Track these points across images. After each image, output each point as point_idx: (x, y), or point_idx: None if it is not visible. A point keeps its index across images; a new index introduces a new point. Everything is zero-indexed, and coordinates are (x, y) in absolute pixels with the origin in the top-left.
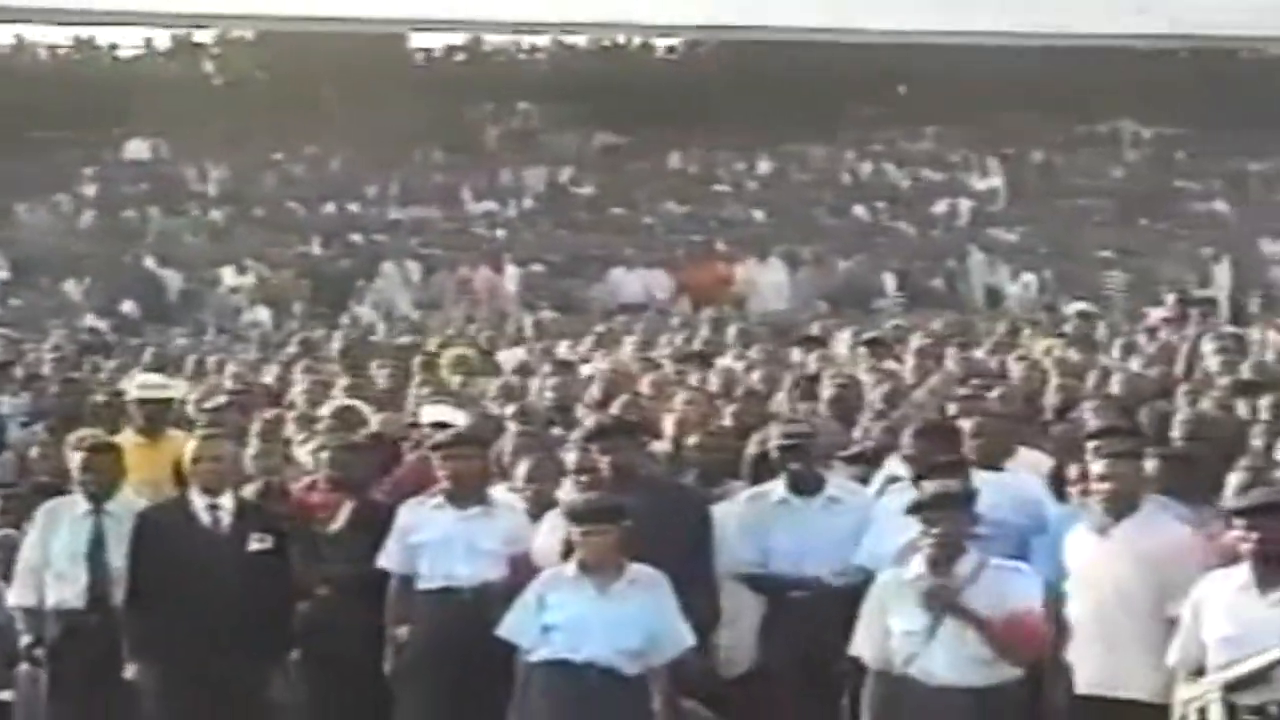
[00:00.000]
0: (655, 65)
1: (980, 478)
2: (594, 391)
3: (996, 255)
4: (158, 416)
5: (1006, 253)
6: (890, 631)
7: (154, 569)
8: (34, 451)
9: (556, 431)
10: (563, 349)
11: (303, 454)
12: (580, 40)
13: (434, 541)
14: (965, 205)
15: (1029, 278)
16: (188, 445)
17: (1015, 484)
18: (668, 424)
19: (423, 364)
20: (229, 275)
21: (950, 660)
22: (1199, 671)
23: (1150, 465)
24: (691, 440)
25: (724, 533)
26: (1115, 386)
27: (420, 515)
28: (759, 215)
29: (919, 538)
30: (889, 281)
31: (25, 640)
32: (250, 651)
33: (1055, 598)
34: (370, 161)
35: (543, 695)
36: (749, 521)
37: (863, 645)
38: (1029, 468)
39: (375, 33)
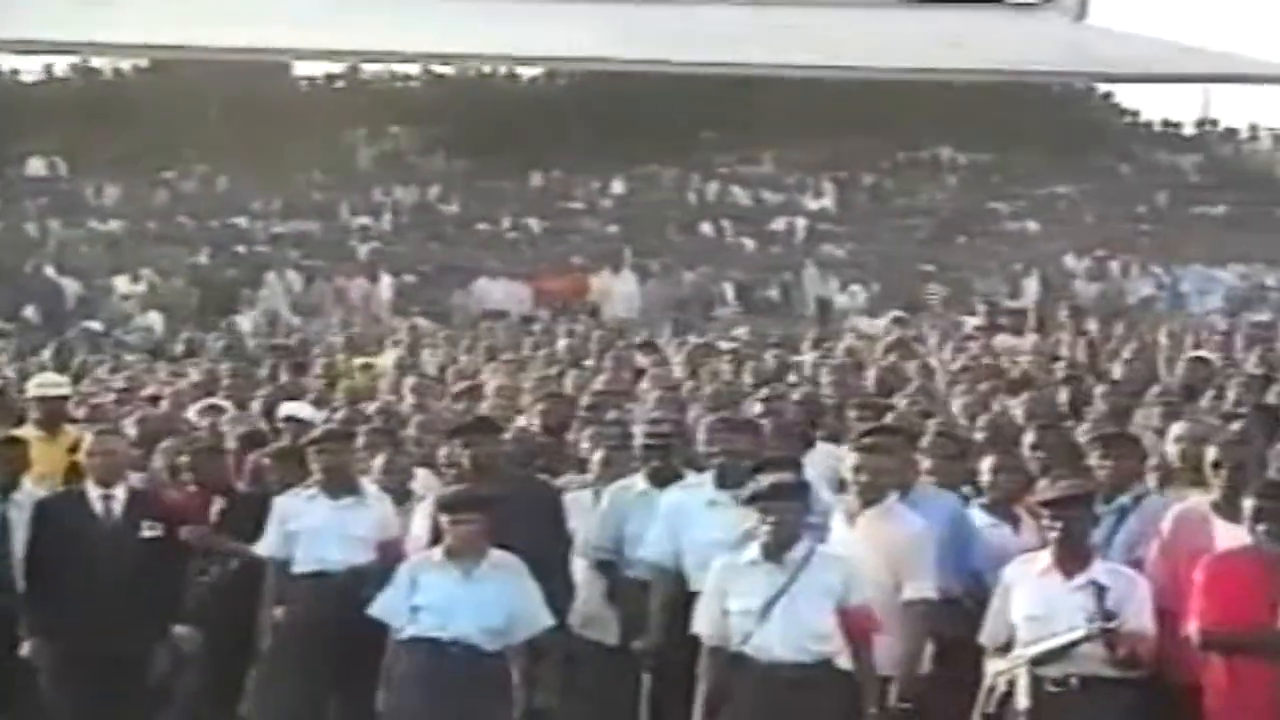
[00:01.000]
0: (518, 92)
1: None
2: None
3: (828, 269)
4: (55, 412)
5: (837, 267)
6: (728, 611)
7: (51, 554)
8: None
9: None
10: (429, 355)
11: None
12: (448, 70)
13: (309, 529)
14: (801, 223)
15: (857, 289)
16: (84, 440)
17: None
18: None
19: (292, 366)
20: (123, 283)
21: (784, 637)
22: (1006, 647)
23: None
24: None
25: (587, 520)
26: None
27: (296, 505)
28: (613, 231)
29: (755, 526)
30: (729, 291)
31: None
32: (141, 632)
33: None
34: (255, 180)
35: (410, 670)
36: (608, 511)
37: (701, 623)
38: (823, 458)
39: (260, 61)
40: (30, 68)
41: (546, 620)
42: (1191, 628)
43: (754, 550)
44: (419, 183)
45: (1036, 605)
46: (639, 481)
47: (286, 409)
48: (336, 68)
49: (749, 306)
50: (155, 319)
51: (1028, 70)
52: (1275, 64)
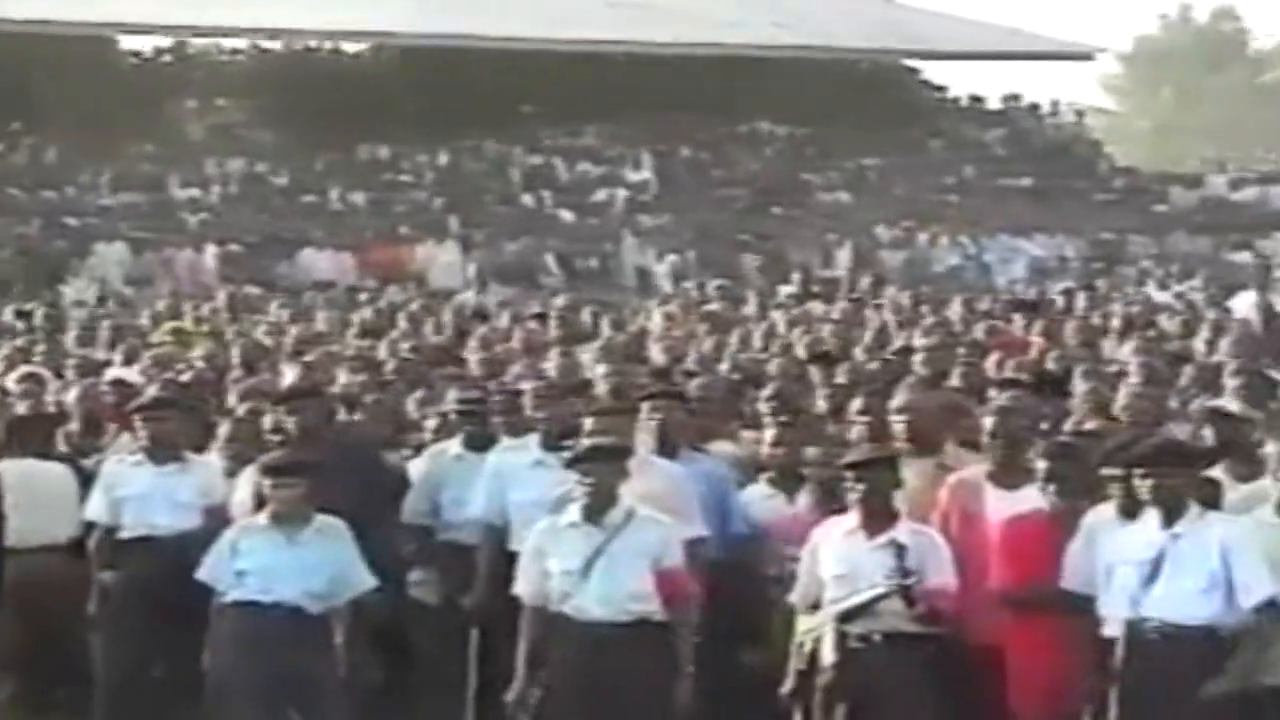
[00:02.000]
0: (344, 67)
1: None
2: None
3: (646, 240)
4: None
5: (655, 237)
6: (549, 573)
7: None
8: None
9: None
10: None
11: None
12: (275, 45)
13: (135, 495)
14: (621, 195)
15: (674, 259)
16: None
17: None
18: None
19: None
20: None
21: (602, 597)
22: (816, 606)
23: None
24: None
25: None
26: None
27: (122, 471)
28: (438, 203)
29: (574, 487)
30: (550, 262)
31: None
32: None
33: None
34: (84, 152)
35: (235, 632)
36: (425, 475)
37: (522, 585)
38: None
39: (89, 35)
40: None
41: (369, 582)
42: (991, 587)
43: (574, 512)
44: (247, 155)
45: (841, 564)
46: (454, 446)
47: (111, 373)
48: (165, 41)
49: (571, 276)
50: None
51: (841, 48)
52: (1076, 41)
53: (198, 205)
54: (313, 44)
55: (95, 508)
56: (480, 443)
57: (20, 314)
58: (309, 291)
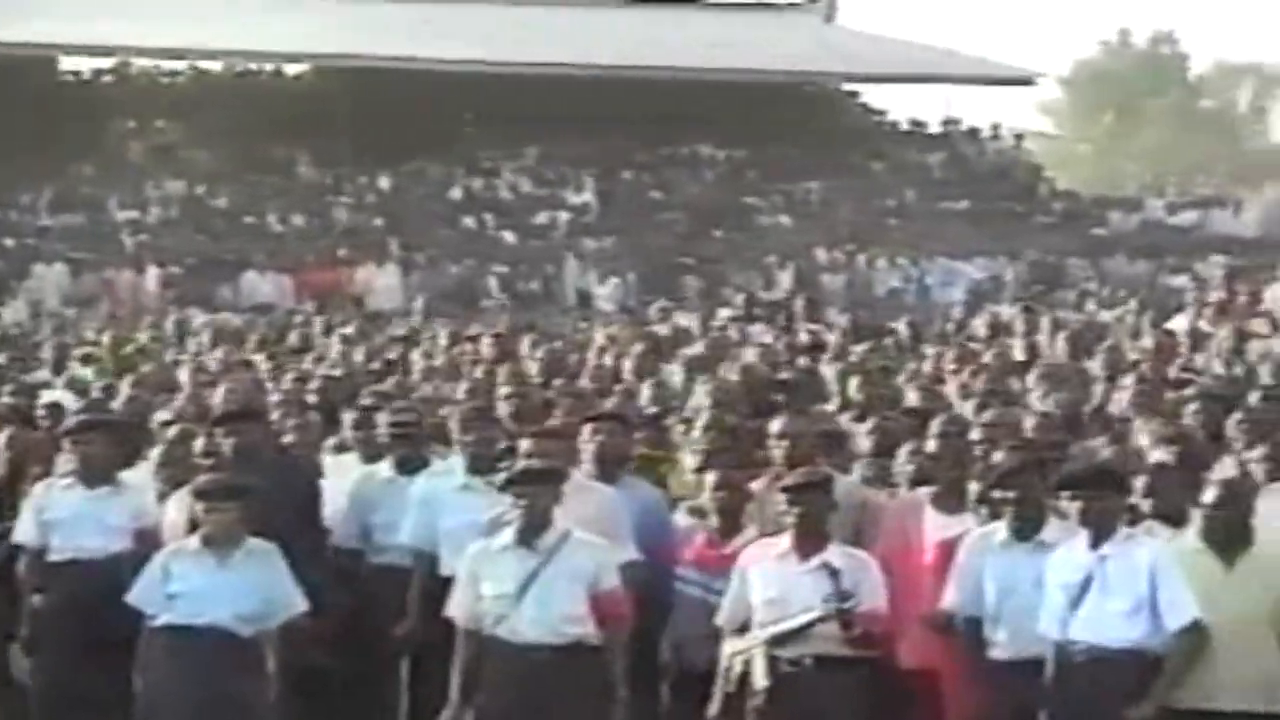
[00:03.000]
0: (285, 88)
1: None
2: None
3: (588, 262)
4: None
5: (597, 259)
6: (482, 596)
7: None
8: None
9: None
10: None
11: None
12: (215, 66)
13: (65, 518)
14: (563, 217)
15: (615, 281)
16: None
17: None
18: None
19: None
20: None
21: (536, 620)
22: (743, 629)
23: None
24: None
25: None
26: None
27: (52, 494)
28: (378, 224)
29: (506, 511)
30: (493, 284)
31: None
32: None
33: None
34: (23, 172)
35: (165, 656)
36: (356, 498)
37: (455, 608)
38: None
39: (28, 56)
40: None
41: (301, 605)
42: (927, 609)
43: (507, 535)
44: (187, 177)
45: (773, 587)
46: (384, 469)
47: (46, 396)
48: (105, 62)
49: (513, 298)
50: None
51: (781, 70)
52: (1015, 66)
53: (137, 226)
54: (253, 66)
55: (24, 530)
56: (411, 465)
57: None
58: (246, 314)
